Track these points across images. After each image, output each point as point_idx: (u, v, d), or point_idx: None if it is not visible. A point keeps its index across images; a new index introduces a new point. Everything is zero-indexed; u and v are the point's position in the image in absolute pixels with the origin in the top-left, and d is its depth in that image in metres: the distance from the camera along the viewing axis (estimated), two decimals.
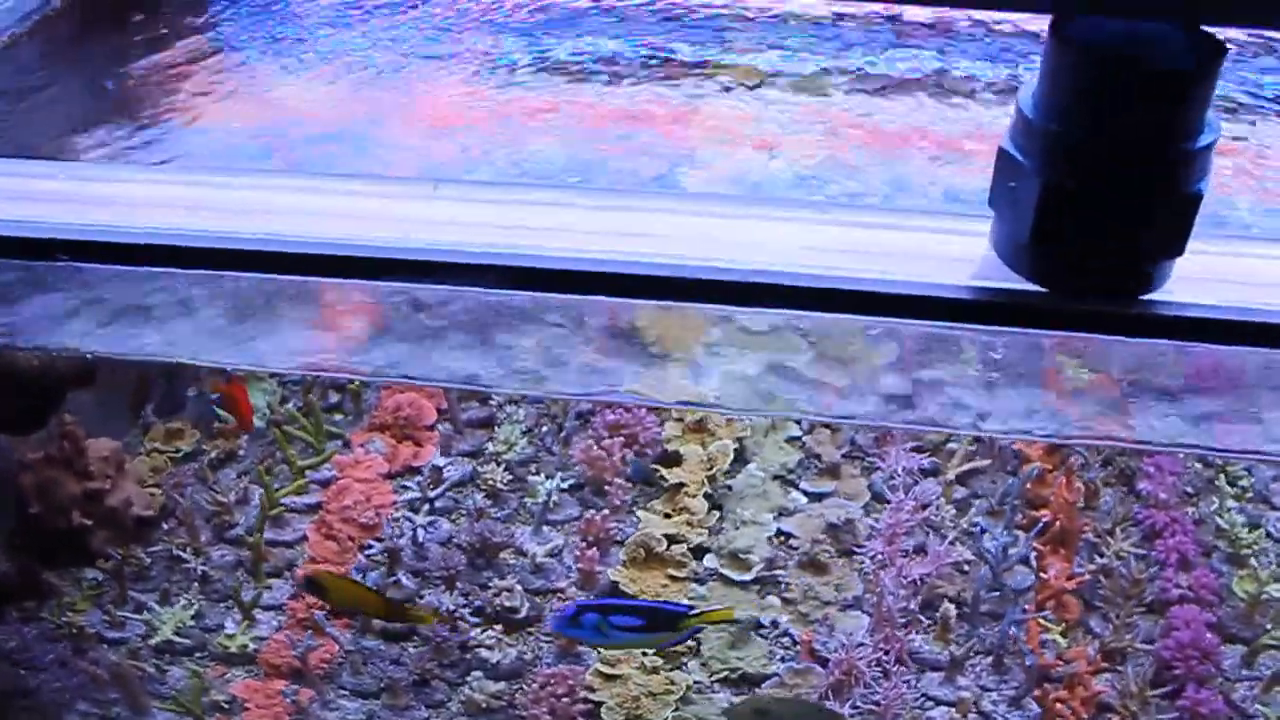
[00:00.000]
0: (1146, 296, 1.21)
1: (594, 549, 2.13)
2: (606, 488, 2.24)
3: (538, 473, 2.28)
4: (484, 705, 1.97)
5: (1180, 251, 1.15)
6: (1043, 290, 1.19)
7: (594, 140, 1.45)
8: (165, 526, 2.15)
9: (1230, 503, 2.28)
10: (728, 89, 1.42)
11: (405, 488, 2.23)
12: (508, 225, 1.16)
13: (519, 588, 2.10)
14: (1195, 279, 1.21)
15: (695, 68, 1.44)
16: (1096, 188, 1.10)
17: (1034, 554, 2.21)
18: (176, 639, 2.01)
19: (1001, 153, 1.06)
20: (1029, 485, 2.29)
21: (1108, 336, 1.28)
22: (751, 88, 1.43)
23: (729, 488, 2.34)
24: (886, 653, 2.07)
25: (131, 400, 2.26)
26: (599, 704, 2.00)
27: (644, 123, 1.41)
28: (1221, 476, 2.34)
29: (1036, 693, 2.04)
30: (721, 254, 1.20)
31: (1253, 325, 1.20)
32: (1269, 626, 2.13)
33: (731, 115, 1.39)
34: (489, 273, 1.16)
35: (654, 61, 1.44)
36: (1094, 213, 1.14)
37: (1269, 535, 2.28)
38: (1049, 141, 1.08)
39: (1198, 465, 2.40)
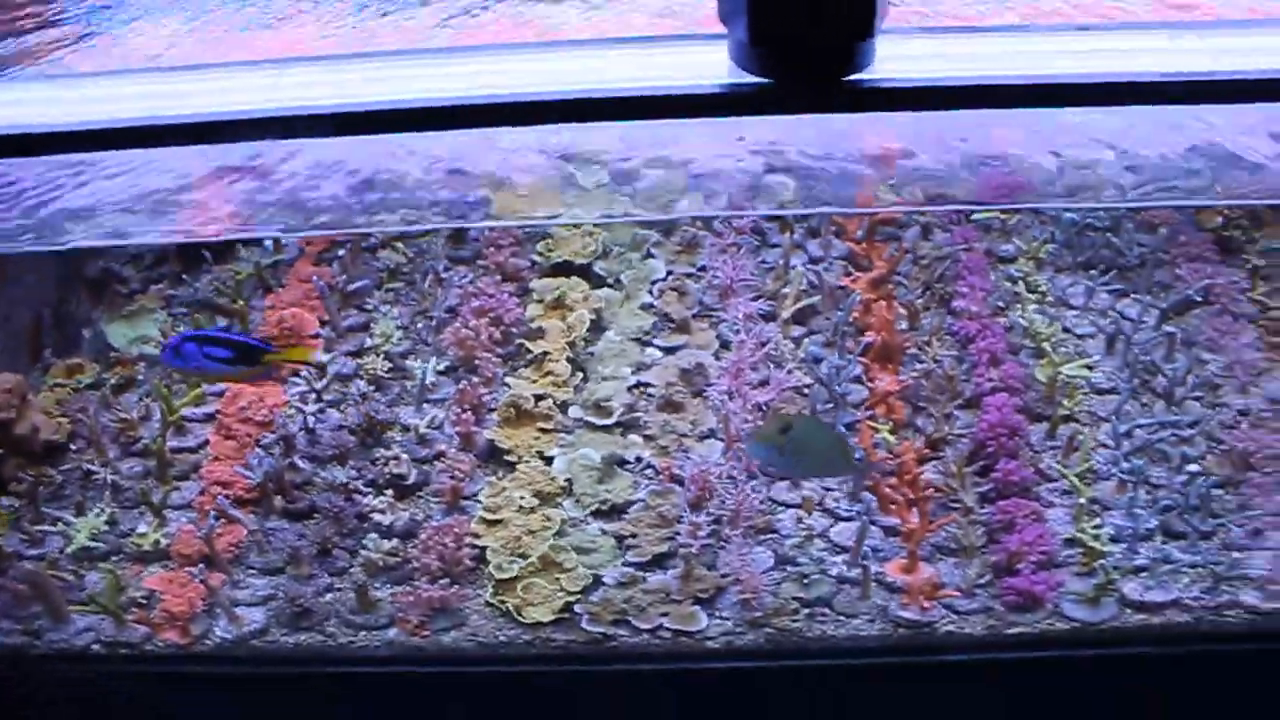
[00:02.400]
0: (852, 77, 1.46)
1: (470, 414, 2.35)
2: (477, 363, 2.45)
3: (415, 359, 2.49)
4: (381, 564, 2.17)
5: (869, 34, 1.40)
6: (768, 81, 1.44)
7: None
8: (74, 448, 2.32)
9: (1031, 306, 2.55)
10: None
11: (295, 385, 2.41)
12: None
13: (405, 457, 2.31)
14: (896, 58, 1.46)
15: None
16: None
17: (863, 370, 2.47)
18: (92, 544, 2.18)
19: None
20: (855, 313, 2.54)
21: (823, 114, 1.54)
22: None
23: (591, 353, 2.56)
24: (739, 469, 2.32)
25: (30, 343, 2.42)
26: (484, 548, 2.22)
27: None
28: (1022, 285, 2.60)
29: (873, 484, 2.30)
30: (529, 84, 1.44)
31: (934, 90, 1.46)
32: (1064, 402, 2.40)
33: None
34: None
35: None
36: (796, 10, 1.38)
37: (1064, 329, 2.56)
38: None
39: (1005, 282, 2.66)
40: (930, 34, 1.68)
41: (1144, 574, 2.17)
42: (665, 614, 2.14)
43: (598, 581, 2.17)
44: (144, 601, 2.12)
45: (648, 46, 1.59)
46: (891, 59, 1.45)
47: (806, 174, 1.73)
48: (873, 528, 2.26)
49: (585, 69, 1.50)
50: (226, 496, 2.22)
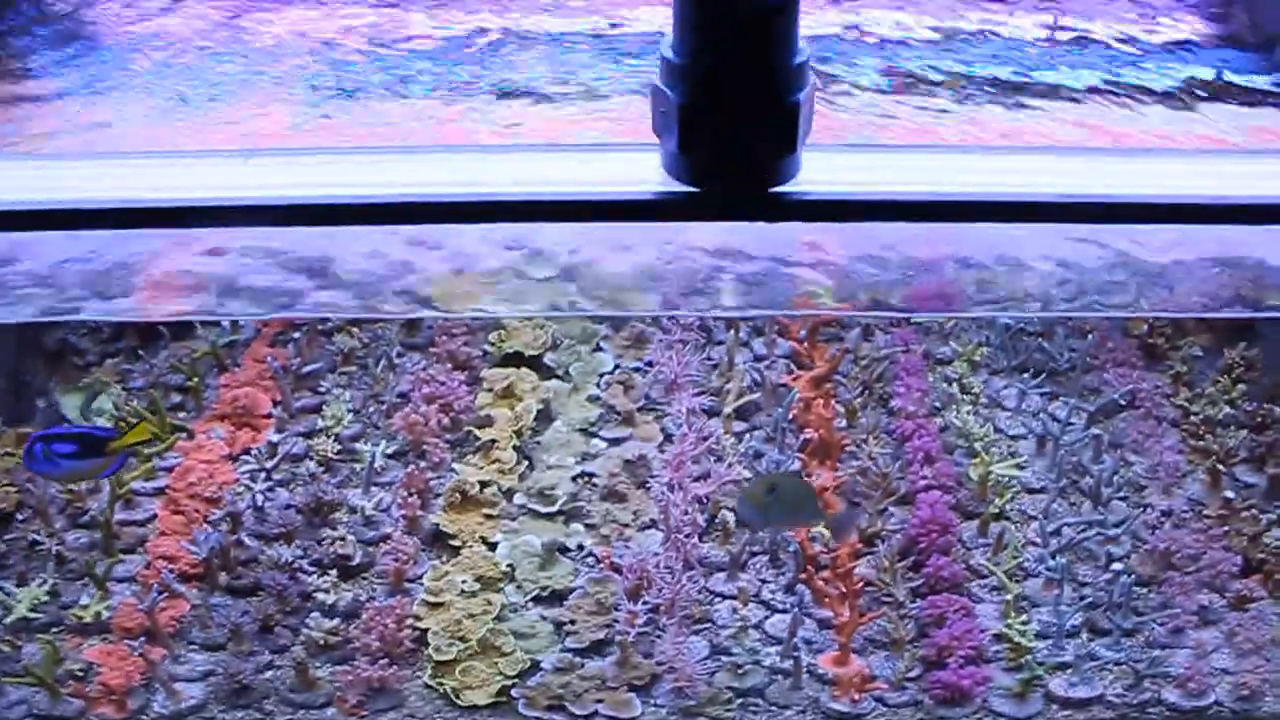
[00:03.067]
0: (777, 189, 1.57)
1: (416, 498, 2.40)
2: (425, 448, 2.51)
3: (365, 442, 2.54)
4: (322, 643, 2.20)
5: (793, 149, 1.50)
6: (695, 189, 1.54)
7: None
8: (20, 518, 2.34)
9: (966, 408, 2.65)
10: None
11: (245, 464, 2.45)
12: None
13: (351, 538, 2.35)
14: (821, 173, 1.57)
15: None
16: (720, 104, 1.44)
17: (800, 465, 2.54)
18: (32, 615, 2.18)
19: (654, 89, 1.39)
20: (794, 411, 2.62)
21: (748, 222, 1.64)
22: None
23: (538, 442, 2.62)
24: (676, 559, 2.38)
25: None
26: (425, 630, 2.25)
27: None
28: (958, 387, 2.70)
29: (805, 577, 2.35)
30: (463, 185, 1.53)
31: (854, 204, 1.57)
32: (995, 500, 2.48)
33: None
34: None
35: None
36: (721, 123, 1.48)
37: (997, 430, 2.65)
38: (682, 74, 1.42)
39: (943, 383, 2.76)
40: (859, 150, 1.80)
41: (1069, 670, 2.24)
42: (601, 700, 2.17)
43: (535, 666, 2.21)
44: (81, 674, 2.13)
45: (592, 152, 1.70)
46: (820, 171, 1.56)
47: (749, 275, 1.83)
48: (807, 620, 2.32)
49: (522, 172, 1.60)
50: (171, 571, 2.25)
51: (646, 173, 1.54)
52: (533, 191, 1.55)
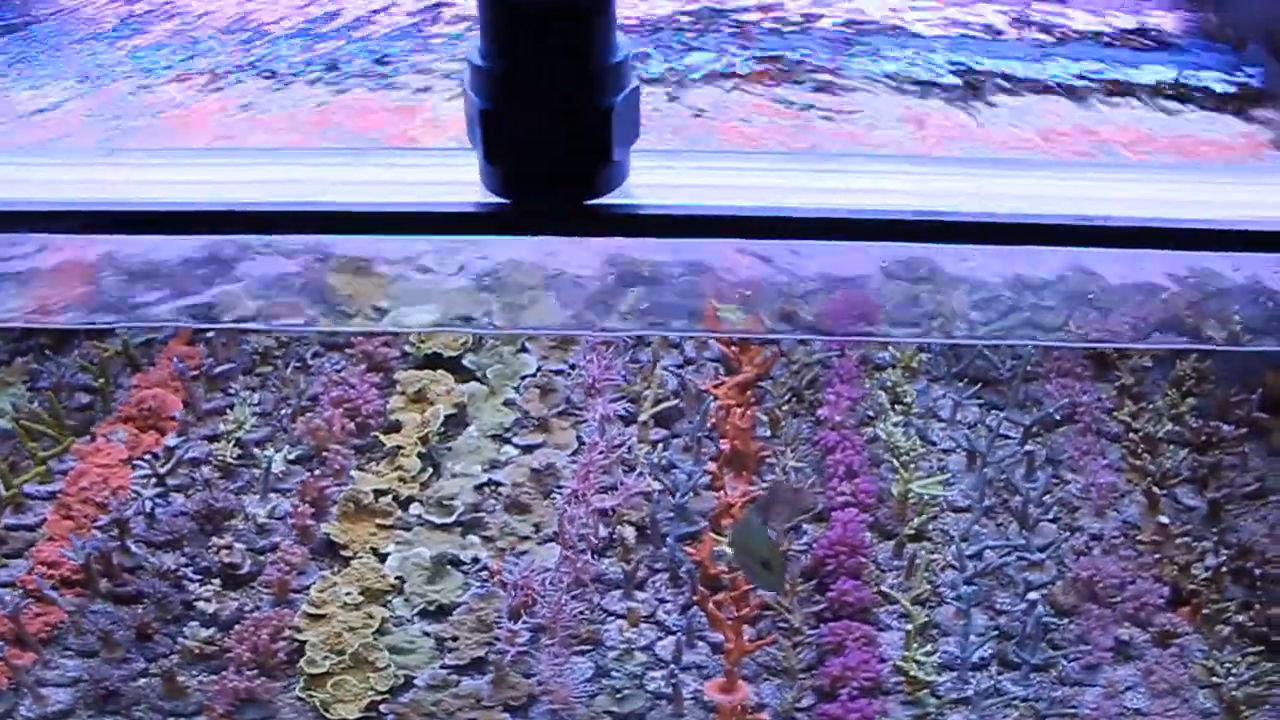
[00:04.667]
0: (594, 201, 1.51)
1: (309, 506, 2.40)
2: (326, 454, 2.51)
3: (268, 447, 2.54)
4: (197, 652, 2.21)
5: (607, 158, 1.44)
6: (505, 202, 1.49)
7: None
8: None
9: (895, 419, 2.55)
10: None
11: (141, 468, 2.46)
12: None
13: (239, 546, 2.36)
14: (645, 186, 1.51)
15: None
16: (524, 110, 1.39)
17: (710, 477, 2.48)
18: None
19: (466, 96, 1.34)
20: (712, 419, 2.56)
21: (563, 236, 1.58)
22: None
23: (449, 448, 2.60)
24: (568, 575, 2.34)
25: None
26: (304, 642, 2.25)
27: None
28: (889, 396, 2.60)
29: (698, 599, 2.29)
30: (300, 193, 1.51)
31: (679, 219, 1.49)
32: (915, 520, 2.38)
33: None
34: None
35: None
36: (527, 131, 1.43)
37: (930, 443, 2.55)
38: (488, 79, 1.37)
39: (879, 390, 2.66)
40: (699, 157, 1.73)
41: (968, 706, 2.15)
42: (474, 719, 2.16)
43: (409, 682, 2.21)
44: None
45: (414, 157, 1.66)
46: (649, 184, 1.50)
47: (659, 283, 1.77)
48: (700, 644, 2.27)
49: (332, 178, 1.56)
50: (53, 576, 2.28)
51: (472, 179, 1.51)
52: (321, 202, 1.51)
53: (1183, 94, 2.01)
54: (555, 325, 2.17)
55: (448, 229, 1.54)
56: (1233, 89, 1.96)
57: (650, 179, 1.51)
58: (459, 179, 1.49)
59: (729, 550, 2.20)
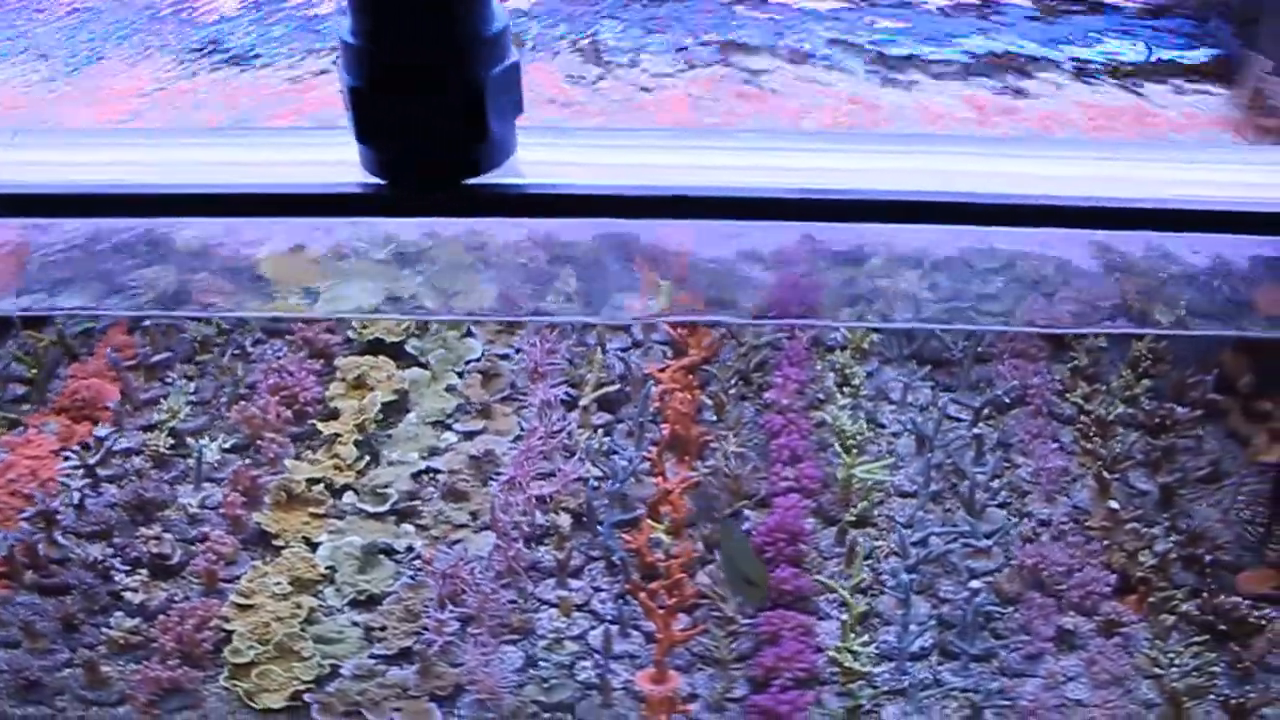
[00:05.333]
0: (473, 181, 1.47)
1: (240, 495, 2.38)
2: (260, 443, 2.49)
3: (202, 437, 2.53)
4: (121, 642, 2.21)
5: (483, 135, 1.40)
6: (381, 183, 1.45)
7: None
8: None
9: (843, 401, 2.50)
10: None
11: (70, 459, 2.44)
12: None
13: (169, 536, 2.35)
14: (533, 164, 1.47)
15: None
16: (393, 86, 1.35)
17: (649, 463, 2.44)
18: None
19: (341, 78, 1.31)
20: (655, 403, 2.52)
21: (442, 218, 1.55)
22: None
23: (389, 435, 2.58)
24: (500, 564, 2.31)
25: None
26: (231, 632, 2.24)
27: None
28: (837, 378, 2.56)
29: (631, 588, 2.26)
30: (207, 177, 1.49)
31: (565, 198, 1.46)
32: (858, 505, 2.34)
33: None
34: None
35: None
36: (397, 109, 1.39)
37: (880, 426, 2.51)
38: (358, 56, 1.33)
39: (830, 372, 2.62)
40: (591, 135, 1.69)
41: (905, 697, 2.11)
42: (399, 709, 2.14)
43: (335, 672, 2.19)
44: None
45: (306, 137, 1.63)
46: (537, 162, 1.46)
47: (590, 266, 1.74)
48: (634, 634, 2.24)
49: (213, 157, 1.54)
50: None
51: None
52: (193, 184, 1.49)
53: (1145, 69, 1.97)
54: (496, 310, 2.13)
55: (323, 211, 1.51)
56: (1197, 62, 1.92)
57: (539, 156, 1.48)
58: (348, 159, 1.47)
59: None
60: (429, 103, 1.35)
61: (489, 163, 1.45)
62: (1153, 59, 1.93)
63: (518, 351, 2.71)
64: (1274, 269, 1.55)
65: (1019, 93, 1.91)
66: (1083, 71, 1.95)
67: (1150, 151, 1.63)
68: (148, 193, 1.48)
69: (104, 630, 2.21)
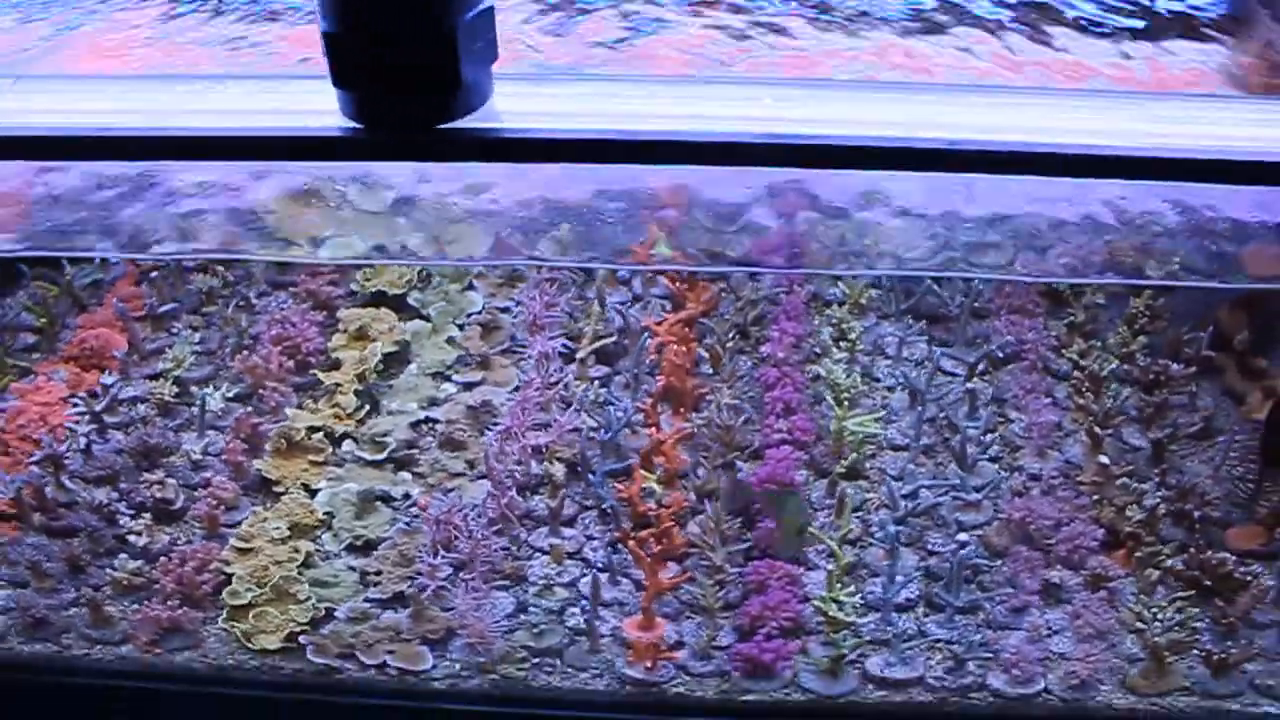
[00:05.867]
0: (447, 125, 1.50)
1: (241, 443, 2.45)
2: (262, 392, 2.56)
3: (206, 386, 2.60)
4: (125, 583, 2.29)
5: (456, 81, 1.43)
6: (358, 127, 1.48)
7: None
8: None
9: (838, 355, 2.53)
10: None
11: (78, 405, 2.51)
12: None
13: (172, 481, 2.42)
14: (511, 112, 1.50)
15: None
16: (369, 33, 1.38)
17: (643, 415, 2.48)
18: None
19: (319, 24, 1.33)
20: (652, 355, 2.56)
21: (415, 161, 1.58)
22: None
23: (390, 386, 2.64)
24: (493, 511, 2.37)
25: None
26: (230, 575, 2.31)
27: None
28: (833, 332, 2.58)
29: (620, 536, 2.30)
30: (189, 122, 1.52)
31: (537, 143, 1.49)
32: (849, 458, 2.37)
33: None
34: None
35: None
36: (372, 55, 1.42)
37: (875, 380, 2.53)
38: (333, 2, 1.36)
39: (828, 326, 2.64)
40: (570, 81, 1.71)
41: (888, 648, 2.14)
42: (391, 651, 2.21)
43: (330, 615, 2.26)
44: None
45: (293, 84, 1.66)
46: (516, 110, 1.49)
47: (586, 217, 1.77)
48: (624, 581, 2.29)
49: (199, 103, 1.57)
50: None
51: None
52: (170, 128, 1.53)
53: (1156, 24, 1.96)
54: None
55: (300, 155, 1.56)
56: (1207, 18, 1.91)
57: (518, 105, 1.51)
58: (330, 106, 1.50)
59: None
60: (402, 48, 1.40)
61: (465, 107, 1.49)
62: (1164, 12, 1.93)
63: (518, 304, 2.75)
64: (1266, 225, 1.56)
65: (1022, 49, 1.92)
66: (1090, 26, 1.95)
67: (1154, 103, 1.64)
68: (134, 135, 1.55)
69: (109, 571, 2.29)
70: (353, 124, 1.47)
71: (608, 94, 1.59)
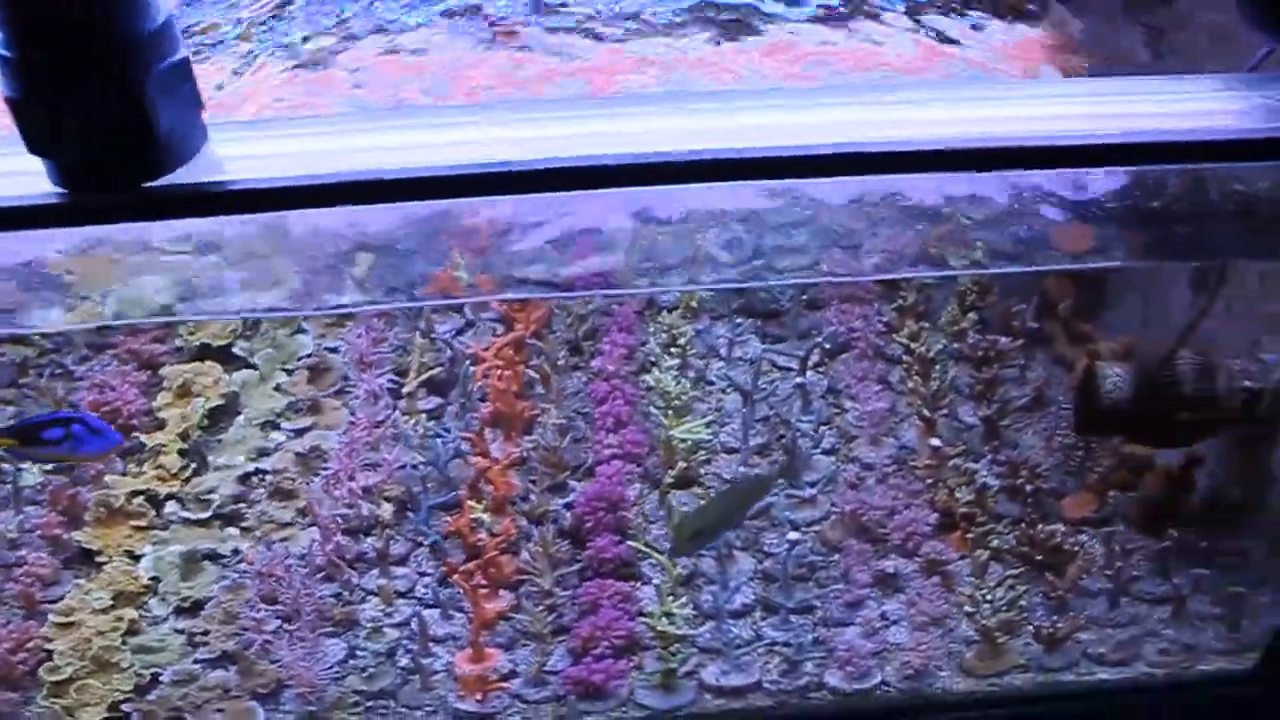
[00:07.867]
0: (153, 184, 1.53)
1: (58, 515, 2.49)
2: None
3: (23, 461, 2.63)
4: None
5: (154, 136, 1.46)
6: (63, 193, 1.52)
7: None
8: None
9: (668, 362, 2.58)
10: None
11: None
12: None
13: None
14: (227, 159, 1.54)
15: None
16: (50, 95, 1.41)
17: (469, 443, 2.52)
18: None
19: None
20: (479, 381, 2.61)
21: (123, 224, 1.61)
22: None
23: (219, 440, 2.68)
24: (320, 558, 2.41)
25: None
26: (51, 651, 2.35)
27: None
28: (663, 339, 2.63)
29: (447, 569, 2.35)
30: None
31: (248, 193, 1.52)
32: (680, 466, 2.42)
33: None
34: None
35: None
36: (64, 116, 1.45)
37: (708, 384, 2.58)
38: (12, 66, 1.39)
39: (663, 335, 2.70)
40: (286, 125, 1.75)
41: (722, 656, 2.19)
42: (220, 710, 2.24)
43: (155, 680, 2.29)
44: None
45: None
46: (232, 157, 1.52)
47: (388, 249, 1.82)
48: (457, 615, 2.33)
49: None
50: None
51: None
52: None
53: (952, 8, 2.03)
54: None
55: (4, 225, 1.58)
56: None
57: (234, 150, 1.54)
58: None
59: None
60: (91, 107, 1.42)
61: (171, 162, 1.51)
62: None
63: (347, 344, 2.80)
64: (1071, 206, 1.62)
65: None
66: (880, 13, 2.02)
67: (955, 90, 1.70)
68: None
69: None
70: (57, 189, 1.50)
71: (323, 134, 1.63)
